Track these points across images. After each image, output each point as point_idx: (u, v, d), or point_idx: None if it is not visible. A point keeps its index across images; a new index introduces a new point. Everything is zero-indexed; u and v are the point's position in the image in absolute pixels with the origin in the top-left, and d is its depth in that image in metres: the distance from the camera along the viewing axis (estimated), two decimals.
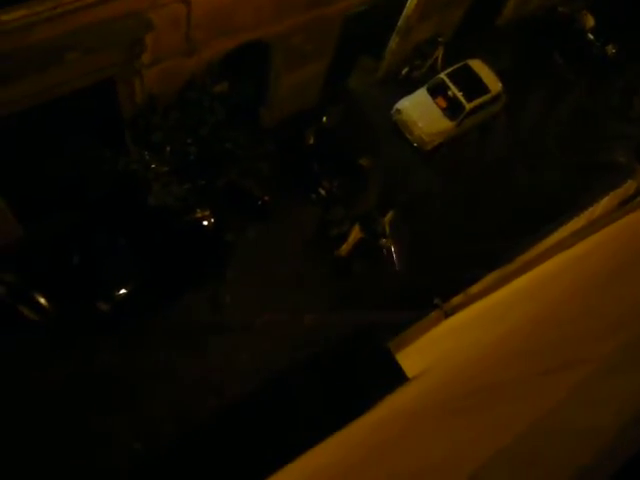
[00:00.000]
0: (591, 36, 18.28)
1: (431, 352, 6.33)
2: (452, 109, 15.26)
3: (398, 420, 4.03)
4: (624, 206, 10.10)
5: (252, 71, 12.67)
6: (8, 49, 7.93)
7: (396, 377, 5.49)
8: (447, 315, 9.94)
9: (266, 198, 12.72)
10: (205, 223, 11.91)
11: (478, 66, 15.69)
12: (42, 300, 11.41)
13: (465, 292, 9.92)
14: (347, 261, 13.43)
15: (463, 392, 3.30)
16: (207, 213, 11.83)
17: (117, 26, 8.93)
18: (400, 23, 14.58)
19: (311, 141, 13.72)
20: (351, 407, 5.17)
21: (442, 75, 15.57)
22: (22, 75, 8.53)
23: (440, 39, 15.89)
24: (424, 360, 5.82)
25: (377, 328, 11.66)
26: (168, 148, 10.82)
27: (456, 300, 9.97)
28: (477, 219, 14.79)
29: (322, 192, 13.73)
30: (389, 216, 13.44)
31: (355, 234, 13.34)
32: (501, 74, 15.81)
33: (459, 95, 15.23)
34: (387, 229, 13.40)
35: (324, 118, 13.95)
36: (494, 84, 15.64)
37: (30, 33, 8.03)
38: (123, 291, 11.58)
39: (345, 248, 13.37)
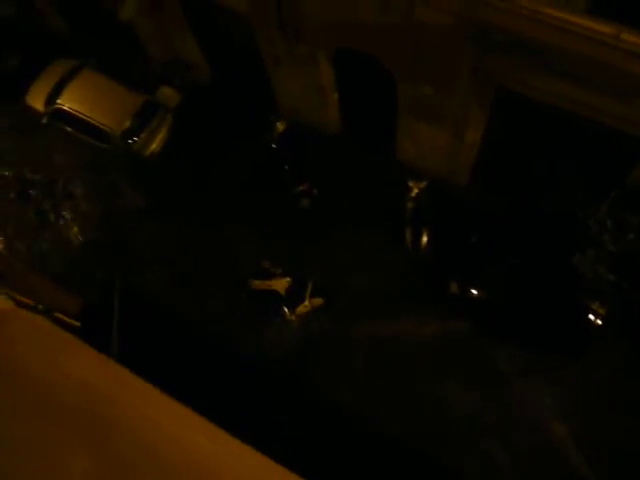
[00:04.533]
0: None
1: None
2: None
3: None
4: None
5: None
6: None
7: None
8: None
9: None
10: (592, 317, 10.75)
11: None
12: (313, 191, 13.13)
13: None
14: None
15: None
16: (602, 312, 10.62)
17: None
18: None
19: None
20: None
21: None
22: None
23: None
24: None
25: None
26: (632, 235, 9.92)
27: None
28: None
29: None
30: (315, 301, 11.99)
31: (276, 284, 11.95)
32: None
33: None
34: (300, 309, 11.96)
35: None
36: None
37: None
38: (475, 292, 11.58)
39: (257, 284, 12.02)
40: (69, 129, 13.83)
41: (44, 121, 14.00)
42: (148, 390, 4.45)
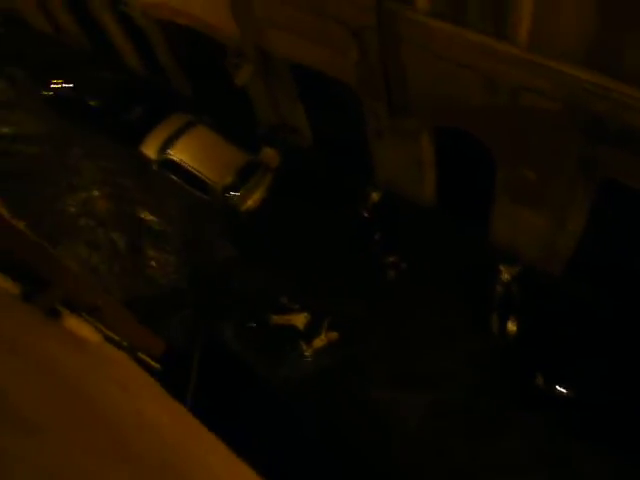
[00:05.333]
0: None
1: None
2: None
3: None
4: None
5: None
6: None
7: None
8: None
9: None
10: None
11: None
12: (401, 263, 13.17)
13: None
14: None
15: None
16: None
17: None
18: None
19: None
20: None
21: None
22: None
23: None
24: None
25: None
26: None
27: None
28: None
29: None
30: (332, 335, 12.38)
31: (294, 319, 12.54)
32: None
33: None
34: (314, 344, 12.30)
35: None
36: None
37: None
38: (562, 389, 10.86)
39: (276, 319, 12.69)
40: (175, 178, 14.67)
41: (154, 168, 14.94)
42: (219, 447, 4.39)
